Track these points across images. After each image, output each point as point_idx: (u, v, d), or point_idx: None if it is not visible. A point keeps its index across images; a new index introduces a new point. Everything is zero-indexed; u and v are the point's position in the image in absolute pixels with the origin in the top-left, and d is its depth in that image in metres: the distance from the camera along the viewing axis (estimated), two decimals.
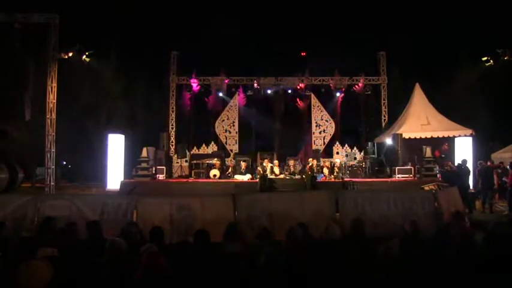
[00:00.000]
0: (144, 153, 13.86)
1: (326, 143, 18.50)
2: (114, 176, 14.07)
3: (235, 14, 16.85)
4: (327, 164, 14.48)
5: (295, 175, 13.30)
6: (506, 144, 15.24)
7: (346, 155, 16.99)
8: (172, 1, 17.95)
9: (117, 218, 6.39)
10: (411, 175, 13.27)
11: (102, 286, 3.36)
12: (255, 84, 18.51)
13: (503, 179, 11.63)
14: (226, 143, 18.71)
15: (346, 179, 12.76)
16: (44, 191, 13.17)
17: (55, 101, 13.72)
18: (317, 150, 16.91)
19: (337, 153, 17.81)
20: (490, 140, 16.23)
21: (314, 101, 18.82)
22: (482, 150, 14.53)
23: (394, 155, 13.99)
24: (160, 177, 14.07)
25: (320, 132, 18.67)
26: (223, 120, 18.88)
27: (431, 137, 15.06)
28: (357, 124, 18.86)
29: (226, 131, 18.82)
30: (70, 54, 13.94)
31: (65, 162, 19.71)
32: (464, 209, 8.62)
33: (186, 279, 3.39)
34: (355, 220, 4.98)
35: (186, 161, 16.72)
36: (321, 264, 3.54)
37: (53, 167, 13.66)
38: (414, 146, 14.62)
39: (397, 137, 14.17)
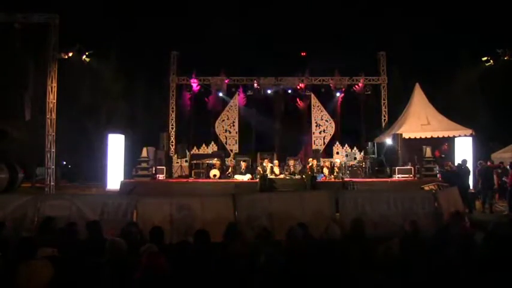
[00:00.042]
0: (144, 153, 13.86)
1: (326, 143, 18.50)
2: (114, 176, 14.07)
3: (235, 14, 16.85)
4: (327, 164, 14.48)
5: (295, 175, 13.30)
6: (506, 144, 15.24)
7: (346, 155, 16.99)
8: (172, 1, 17.95)
9: (117, 218, 6.40)
10: (411, 175, 13.27)
11: (102, 286, 3.36)
12: (255, 84, 18.51)
13: (503, 179, 11.64)
14: (226, 143, 18.71)
15: (346, 179, 12.76)
16: (44, 191, 13.17)
17: (55, 101, 13.72)
18: (317, 150, 16.90)
19: (337, 153, 17.81)
20: (490, 140, 16.23)
21: (314, 101, 18.82)
22: (482, 150, 14.53)
23: (394, 155, 13.99)
24: (160, 177, 14.07)
25: (320, 132, 18.67)
26: (223, 120, 18.89)
27: (431, 137, 15.06)
28: (357, 124, 18.85)
29: (226, 131, 18.82)
30: (70, 54, 13.93)
31: (65, 162, 19.72)
32: (464, 209, 8.63)
33: (186, 279, 3.39)
34: (355, 220, 4.99)
35: (186, 161, 16.72)
36: (321, 264, 3.55)
37: (53, 167, 13.65)
38: (414, 146, 14.62)
39: (397, 137, 14.18)
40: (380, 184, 12.52)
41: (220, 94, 18.96)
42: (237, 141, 18.76)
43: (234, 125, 18.85)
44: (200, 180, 13.68)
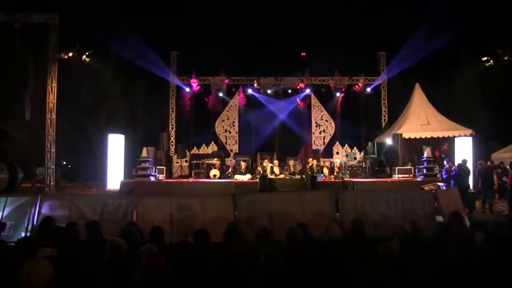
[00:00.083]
0: (144, 153, 13.86)
1: (326, 143, 18.50)
2: (114, 176, 14.06)
3: (235, 14, 16.85)
4: (327, 164, 14.47)
5: (295, 175, 13.29)
6: (506, 144, 15.24)
7: (346, 155, 16.98)
8: (173, 1, 17.95)
9: (117, 218, 6.40)
10: (411, 175, 13.26)
11: (102, 286, 3.36)
12: (255, 84, 18.51)
13: (503, 179, 11.65)
14: (226, 143, 18.71)
15: (346, 179, 12.76)
16: (44, 191, 13.17)
17: (55, 101, 13.72)
18: (317, 150, 16.90)
19: (337, 153, 17.81)
20: (490, 140, 16.23)
21: (314, 101, 18.82)
22: (482, 150, 14.53)
23: (394, 155, 13.99)
24: (160, 177, 14.07)
25: (320, 132, 18.67)
26: (223, 120, 18.89)
27: (431, 137, 15.06)
28: (357, 124, 18.85)
29: (226, 131, 18.82)
30: (70, 54, 13.94)
31: (65, 162, 19.73)
32: (464, 209, 8.63)
33: (186, 279, 3.39)
34: (355, 220, 4.98)
35: (186, 161, 16.72)
36: (321, 264, 3.55)
37: (53, 167, 13.66)
38: (414, 146, 14.62)
39: (397, 137, 14.17)
40: (380, 184, 12.52)
41: (220, 94, 18.97)
42: (237, 141, 18.77)
43: (234, 125, 18.85)
44: (200, 180, 13.68)
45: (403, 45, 16.68)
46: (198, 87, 18.92)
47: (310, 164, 13.41)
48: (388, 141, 15.19)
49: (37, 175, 16.00)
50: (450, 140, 14.95)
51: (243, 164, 13.89)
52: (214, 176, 13.56)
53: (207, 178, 13.71)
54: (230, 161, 15.74)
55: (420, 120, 15.61)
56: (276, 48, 17.86)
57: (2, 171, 12.59)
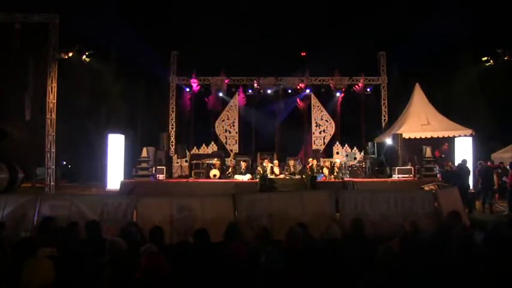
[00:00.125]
0: (144, 153, 13.86)
1: (326, 143, 18.50)
2: (114, 176, 14.07)
3: (235, 14, 16.86)
4: (327, 164, 14.46)
5: (295, 175, 13.29)
6: (506, 144, 15.24)
7: (346, 155, 16.98)
8: (173, 1, 17.95)
9: (117, 218, 6.40)
10: (411, 175, 13.27)
11: (102, 286, 3.36)
12: (255, 84, 18.51)
13: (503, 179, 11.65)
14: (226, 143, 18.71)
15: (346, 179, 12.76)
16: (44, 191, 13.17)
17: (55, 101, 13.72)
18: (317, 150, 16.89)
19: (337, 153, 17.81)
20: (490, 140, 16.22)
21: (314, 101, 18.83)
22: (482, 150, 14.53)
23: (394, 155, 13.99)
24: (160, 177, 14.07)
25: (320, 132, 18.67)
26: (223, 120, 18.89)
27: (431, 137, 15.05)
28: (357, 124, 18.85)
29: (226, 131, 18.82)
30: (70, 54, 13.93)
31: (65, 162, 19.74)
32: (464, 209, 8.63)
33: (186, 279, 3.39)
34: (355, 220, 4.98)
35: (186, 161, 16.72)
36: (321, 264, 3.55)
37: (53, 167, 13.66)
38: (414, 146, 14.61)
39: (397, 137, 14.17)
40: (380, 184, 12.52)
41: (220, 94, 18.97)
42: (237, 141, 18.76)
43: (234, 125, 18.85)
44: (200, 180, 13.68)
45: (403, 45, 16.67)
46: (198, 87, 18.92)
47: (310, 164, 13.41)
48: (388, 141, 15.19)
49: (37, 175, 16.00)
50: (450, 140, 14.95)
51: (243, 164, 13.89)
52: (214, 176, 13.56)
53: (207, 178, 13.71)
54: (230, 161, 15.74)
55: (420, 120, 15.60)
56: (276, 48, 17.86)
57: (2, 171, 12.60)
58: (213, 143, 18.46)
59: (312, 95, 18.80)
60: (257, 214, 6.58)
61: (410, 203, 6.85)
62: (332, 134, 18.57)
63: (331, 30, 17.19)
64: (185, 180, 14.19)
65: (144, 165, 13.65)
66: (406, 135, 14.78)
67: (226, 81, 18.61)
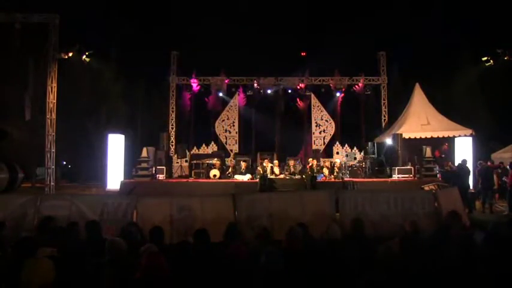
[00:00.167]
0: (144, 153, 13.86)
1: (326, 143, 18.50)
2: (114, 176, 14.07)
3: (235, 14, 16.87)
4: (327, 164, 14.47)
5: (295, 175, 13.29)
6: (506, 144, 15.24)
7: (346, 155, 16.98)
8: (173, 1, 17.96)
9: (117, 218, 6.40)
10: (411, 175, 13.26)
11: (102, 286, 3.36)
12: (255, 84, 18.51)
13: (503, 179, 11.64)
14: (226, 143, 18.71)
15: (346, 179, 12.76)
16: (44, 191, 13.17)
17: (55, 101, 13.72)
18: (317, 150, 16.90)
19: (337, 153, 17.81)
20: (490, 140, 16.23)
21: (314, 101, 18.83)
22: (482, 150, 14.53)
23: (394, 155, 13.98)
24: (160, 177, 14.07)
25: (320, 132, 18.67)
26: (223, 120, 18.89)
27: (431, 137, 15.05)
28: (357, 124, 18.86)
29: (226, 131, 18.83)
30: (70, 54, 13.92)
31: (65, 162, 19.75)
32: (464, 209, 8.63)
33: (186, 279, 3.39)
34: (355, 220, 4.98)
35: (186, 161, 16.73)
36: (321, 264, 3.55)
37: (53, 167, 13.65)
38: (414, 146, 14.61)
39: (397, 137, 14.17)
40: (380, 184, 12.52)
41: (220, 94, 18.97)
42: (237, 141, 18.76)
43: (234, 125, 18.85)
44: (200, 180, 13.68)
45: (403, 45, 16.69)
46: (198, 87, 18.92)
47: (310, 164, 13.42)
48: (388, 141, 15.19)
49: (37, 175, 16.01)
50: (450, 140, 14.95)
51: (243, 164, 13.89)
52: (214, 176, 13.56)
53: (207, 178, 13.71)
54: (230, 161, 15.74)
55: (420, 120, 15.60)
56: (276, 48, 17.87)
57: (2, 171, 12.60)
58: (213, 143, 18.46)
59: (312, 95, 18.79)
60: (257, 214, 6.58)
61: (410, 203, 6.85)
62: (332, 134, 18.57)
63: (331, 30, 17.19)
64: (185, 180, 14.19)
65: (144, 165, 13.65)
66: (406, 135, 14.78)
67: (226, 81, 18.62)
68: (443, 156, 14.68)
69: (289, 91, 18.88)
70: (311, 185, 11.84)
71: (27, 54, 13.93)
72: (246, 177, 13.21)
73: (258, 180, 12.32)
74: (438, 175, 12.87)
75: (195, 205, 6.65)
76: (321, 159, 15.94)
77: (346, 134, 18.69)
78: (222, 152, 17.04)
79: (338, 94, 18.72)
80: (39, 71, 14.01)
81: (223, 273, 3.46)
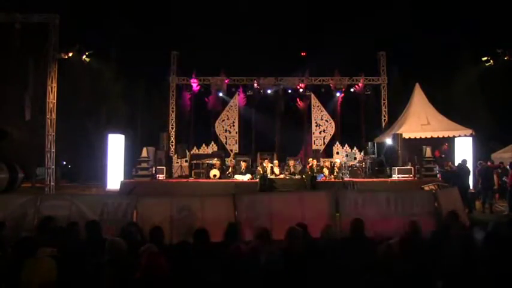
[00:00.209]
0: (144, 153, 13.86)
1: (326, 143, 18.50)
2: (114, 176, 14.07)
3: (235, 14, 16.87)
4: (327, 164, 14.47)
5: (295, 175, 13.30)
6: (506, 144, 15.24)
7: (346, 155, 16.98)
8: (173, 1, 17.96)
9: (117, 218, 6.40)
10: (411, 175, 13.27)
11: (102, 286, 3.36)
12: (255, 84, 18.51)
13: (503, 179, 11.64)
14: (226, 143, 18.71)
15: (346, 179, 12.77)
16: (44, 191, 13.17)
17: (55, 101, 13.72)
18: (317, 150, 16.90)
19: (337, 153, 17.81)
20: (490, 140, 16.23)
21: (314, 101, 18.83)
22: (482, 150, 14.53)
23: (394, 155, 13.99)
24: (160, 177, 14.07)
25: (320, 132, 18.67)
26: (223, 120, 18.89)
27: (431, 137, 15.05)
28: (357, 124, 18.86)
29: (226, 131, 18.83)
30: (70, 54, 13.93)
31: (65, 162, 19.74)
32: (464, 209, 8.63)
33: (186, 279, 3.39)
34: (355, 220, 4.98)
35: (186, 161, 16.73)
36: (321, 264, 3.55)
37: (53, 167, 13.65)
38: (414, 146, 14.62)
39: (397, 137, 14.18)
40: (380, 184, 12.52)
41: (220, 94, 18.97)
42: (237, 141, 18.76)
43: (234, 125, 18.85)
44: (200, 180, 13.68)
45: (403, 45, 16.68)
46: (198, 87, 18.92)
47: (310, 164, 13.42)
48: (388, 141, 15.19)
49: (37, 175, 16.01)
50: (450, 140, 14.95)
51: (243, 164, 13.89)
52: (214, 176, 13.56)
53: (207, 178, 13.72)
54: (230, 161, 15.74)
55: (420, 120, 15.60)
56: (276, 48, 17.86)
57: (2, 171, 12.60)
58: (213, 143, 18.46)
59: (312, 95, 18.79)
60: (257, 214, 6.58)
61: (410, 203, 6.85)
62: (332, 134, 18.57)
63: (331, 30, 17.18)
64: (185, 180, 14.19)
65: (144, 165, 13.65)
66: (406, 135, 14.79)
67: (226, 81, 18.62)
68: (443, 156, 14.68)
69: (289, 91, 18.88)
70: (311, 185, 11.85)
71: (27, 54, 13.93)
72: (246, 177, 13.21)
73: (258, 180, 12.33)
74: (438, 175, 12.87)
75: (195, 205, 6.65)
76: (321, 159, 15.95)
77: (346, 134, 18.69)
78: (222, 152, 17.04)
79: (338, 94, 18.72)
80: (39, 71, 14.01)
81: (223, 273, 3.46)
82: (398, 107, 17.46)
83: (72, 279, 3.34)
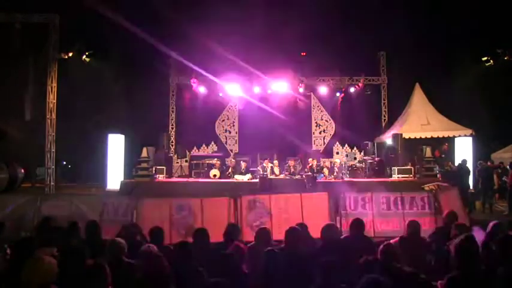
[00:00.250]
0: (144, 153, 13.85)
1: (326, 143, 18.50)
2: (114, 176, 14.07)
3: (235, 13, 16.84)
4: (327, 164, 14.47)
5: (295, 175, 13.29)
6: (506, 144, 15.26)
7: (346, 155, 16.99)
8: (173, 1, 17.93)
9: (117, 218, 6.42)
10: (411, 175, 13.26)
11: (102, 286, 3.36)
12: (255, 84, 18.48)
13: (503, 179, 11.66)
14: (226, 143, 18.71)
15: (346, 179, 12.76)
16: (44, 191, 13.17)
17: (55, 101, 13.73)
18: (317, 150, 16.90)
19: (337, 153, 17.81)
20: (490, 140, 16.23)
21: (314, 101, 18.82)
22: (482, 150, 14.54)
23: (394, 155, 13.99)
24: (160, 177, 14.07)
25: (320, 132, 18.67)
26: (223, 120, 18.88)
27: (431, 137, 15.05)
28: (357, 124, 18.83)
29: (226, 131, 18.82)
30: (70, 54, 13.94)
31: (65, 162, 19.73)
32: (465, 209, 8.63)
33: (186, 279, 3.39)
34: (355, 220, 4.99)
35: (186, 161, 16.72)
36: (321, 264, 3.55)
37: (53, 167, 13.67)
38: (414, 146, 14.62)
39: (397, 137, 14.17)
40: (380, 184, 12.50)
41: (220, 94, 18.95)
42: (237, 141, 18.76)
43: (234, 125, 18.85)
44: (200, 180, 13.67)
45: (403, 45, 16.66)
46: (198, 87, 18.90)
47: (310, 164, 13.42)
48: (388, 141, 15.19)
49: (37, 175, 16.02)
50: (450, 140, 14.95)
51: (243, 164, 13.89)
52: (214, 176, 13.55)
53: (207, 178, 13.70)
54: (230, 161, 15.74)
55: (420, 120, 15.60)
56: (276, 48, 17.84)
57: (2, 171, 12.61)
58: (213, 143, 18.46)
59: (312, 95, 18.79)
60: (257, 214, 6.59)
61: (410, 203, 6.86)
62: (332, 134, 18.57)
63: (331, 30, 17.15)
64: (185, 180, 14.18)
65: (144, 165, 13.63)
66: (406, 135, 14.78)
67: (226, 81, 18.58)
68: (443, 156, 14.68)
69: (289, 91, 18.86)
70: (311, 185, 11.84)
71: (27, 54, 13.94)
72: (246, 177, 13.21)
73: (258, 180, 12.32)
74: (438, 175, 12.87)
75: (195, 205, 6.67)
76: (321, 159, 15.94)
77: (346, 134, 18.67)
78: (222, 152, 17.03)
79: (338, 94, 18.71)
80: (39, 71, 14.02)
81: (223, 273, 3.46)
82: (399, 107, 17.45)
83: (72, 280, 3.34)
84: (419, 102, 16.24)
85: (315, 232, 4.84)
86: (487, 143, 15.89)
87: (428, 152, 13.69)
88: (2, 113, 13.66)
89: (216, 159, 14.61)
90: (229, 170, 13.97)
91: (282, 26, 17.51)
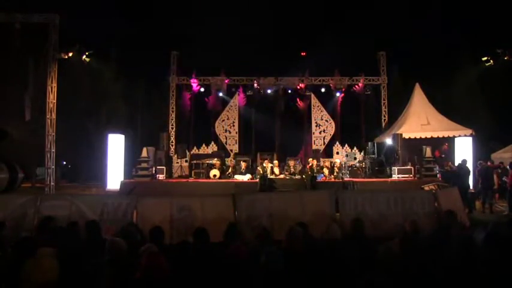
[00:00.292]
0: (144, 153, 13.86)
1: (326, 143, 18.50)
2: (114, 176, 14.07)
3: (235, 14, 16.85)
4: (327, 164, 14.47)
5: (295, 175, 13.30)
6: (506, 144, 15.25)
7: (346, 155, 16.98)
8: (173, 1, 17.96)
9: (117, 218, 6.41)
10: (411, 175, 13.26)
11: (102, 286, 3.36)
12: (255, 84, 18.51)
13: (503, 179, 11.65)
14: (226, 143, 18.71)
15: (346, 179, 12.77)
16: (44, 191, 13.17)
17: (55, 101, 13.72)
18: (317, 150, 16.90)
19: (337, 153, 17.81)
20: (490, 140, 16.22)
21: (314, 101, 18.83)
22: (482, 150, 14.53)
23: (394, 155, 13.99)
24: (160, 177, 14.07)
25: (320, 132, 18.67)
26: (223, 120, 18.89)
27: (431, 137, 15.05)
28: (357, 124, 18.86)
29: (226, 131, 18.83)
30: (70, 54, 13.92)
31: (65, 162, 19.74)
32: (464, 209, 8.63)
33: (186, 279, 3.39)
34: (355, 220, 4.99)
35: (186, 161, 16.73)
36: (321, 264, 3.55)
37: (53, 167, 13.66)
38: (414, 146, 14.61)
39: (397, 137, 14.18)
40: (380, 184, 12.52)
41: (220, 94, 18.97)
42: (237, 141, 18.76)
43: (234, 125, 18.85)
44: (200, 180, 13.68)
45: (403, 45, 16.67)
46: (198, 87, 18.92)
47: (310, 164, 13.43)
48: (388, 141, 15.19)
49: (37, 175, 16.01)
50: (450, 140, 14.95)
51: (243, 164, 13.89)
52: (214, 176, 13.56)
53: (207, 178, 13.71)
54: (230, 161, 15.74)
55: (420, 120, 15.60)
56: (276, 48, 17.85)
57: (2, 171, 12.60)
58: (213, 143, 18.46)
59: (312, 95, 18.79)
60: (257, 214, 6.59)
61: (410, 203, 6.86)
62: (332, 134, 18.57)
63: (331, 30, 17.16)
64: (185, 180, 14.19)
65: (144, 165, 13.65)
66: (406, 135, 14.78)
67: (226, 81, 18.62)
68: (443, 156, 14.68)
69: (289, 91, 18.88)
70: (311, 185, 11.84)
71: (27, 54, 13.93)
72: (246, 177, 13.21)
73: (258, 180, 12.33)
74: (438, 175, 12.87)
75: (195, 205, 6.66)
76: (321, 159, 15.94)
77: (346, 134, 18.68)
78: (222, 152, 17.04)
79: (338, 94, 18.72)
80: (39, 71, 14.00)
81: (223, 273, 3.46)
82: (398, 107, 17.45)
83: (72, 279, 3.34)
84: (419, 102, 16.24)
85: (315, 232, 4.84)
86: (487, 143, 15.89)
87: (428, 152, 13.70)
88: (2, 113, 13.65)
89: (216, 159, 14.61)
90: (229, 170, 13.98)
91: (282, 25, 17.54)
